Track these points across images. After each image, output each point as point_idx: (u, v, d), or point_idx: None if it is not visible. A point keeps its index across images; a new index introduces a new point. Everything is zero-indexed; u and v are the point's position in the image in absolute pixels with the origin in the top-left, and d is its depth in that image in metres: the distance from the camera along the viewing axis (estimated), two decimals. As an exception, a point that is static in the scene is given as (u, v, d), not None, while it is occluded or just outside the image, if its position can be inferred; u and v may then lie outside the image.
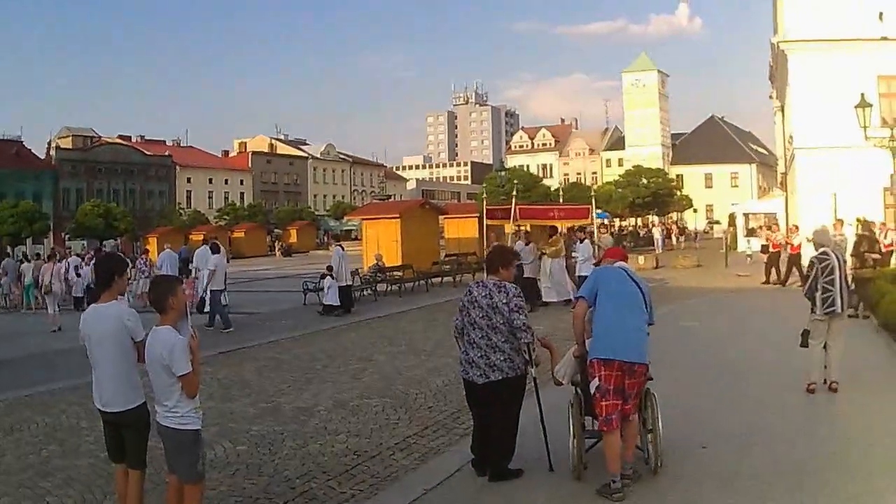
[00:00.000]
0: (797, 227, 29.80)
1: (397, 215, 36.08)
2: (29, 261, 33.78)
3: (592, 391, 7.53)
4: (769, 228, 34.85)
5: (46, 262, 29.21)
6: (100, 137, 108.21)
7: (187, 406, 6.33)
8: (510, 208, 28.04)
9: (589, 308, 7.90)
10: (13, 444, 10.54)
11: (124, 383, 6.56)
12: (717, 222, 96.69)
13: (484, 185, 52.76)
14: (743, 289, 28.24)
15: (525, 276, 22.58)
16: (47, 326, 23.81)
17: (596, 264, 9.15)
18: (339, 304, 25.17)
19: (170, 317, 6.38)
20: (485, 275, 8.72)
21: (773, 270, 29.08)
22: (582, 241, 24.26)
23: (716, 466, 8.13)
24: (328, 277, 25.74)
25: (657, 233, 62.22)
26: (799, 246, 27.40)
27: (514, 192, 31.44)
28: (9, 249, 52.27)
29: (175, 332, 6.30)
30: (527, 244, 24.74)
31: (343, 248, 27.24)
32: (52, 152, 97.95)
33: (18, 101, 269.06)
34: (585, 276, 21.35)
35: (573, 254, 24.07)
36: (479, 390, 8.01)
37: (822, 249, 11.63)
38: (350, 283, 26.55)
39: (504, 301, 7.90)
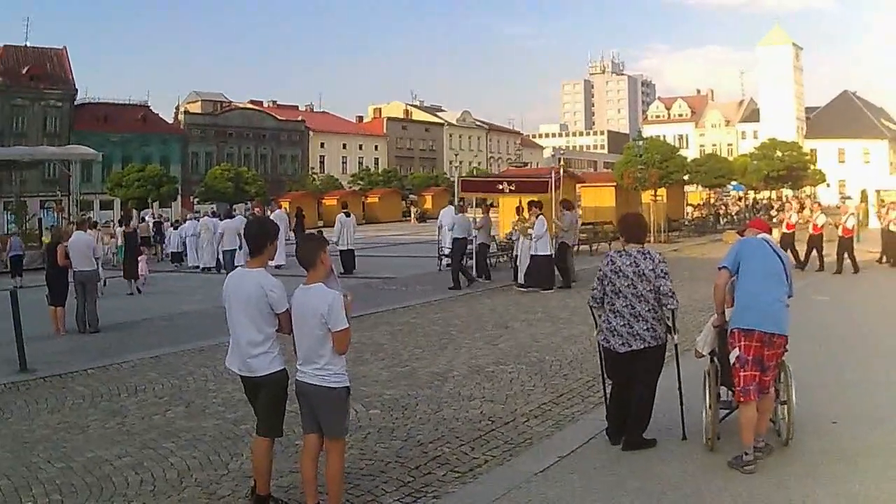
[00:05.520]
0: None
1: (535, 182, 35.81)
2: (121, 225, 35.40)
3: (732, 361, 7.58)
4: (782, 208, 33.02)
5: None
6: (230, 102, 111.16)
7: (339, 363, 6.51)
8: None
9: (731, 278, 7.92)
10: (137, 404, 10.89)
11: (261, 348, 6.71)
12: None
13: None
14: (874, 265, 27.56)
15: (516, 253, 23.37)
16: (159, 289, 24.52)
17: (740, 233, 8.96)
18: None
19: (318, 273, 6.55)
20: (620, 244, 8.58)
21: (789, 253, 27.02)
22: (538, 217, 22.31)
23: (843, 443, 8.13)
24: None
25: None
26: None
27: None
28: (134, 213, 53.87)
29: (328, 289, 6.48)
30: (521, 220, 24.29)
31: (348, 216, 28.98)
32: (181, 117, 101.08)
33: (145, 66, 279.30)
34: (543, 256, 21.33)
35: (528, 231, 22.34)
36: (619, 359, 8.11)
37: None
38: (352, 248, 28.37)
39: (651, 267, 8.00)
